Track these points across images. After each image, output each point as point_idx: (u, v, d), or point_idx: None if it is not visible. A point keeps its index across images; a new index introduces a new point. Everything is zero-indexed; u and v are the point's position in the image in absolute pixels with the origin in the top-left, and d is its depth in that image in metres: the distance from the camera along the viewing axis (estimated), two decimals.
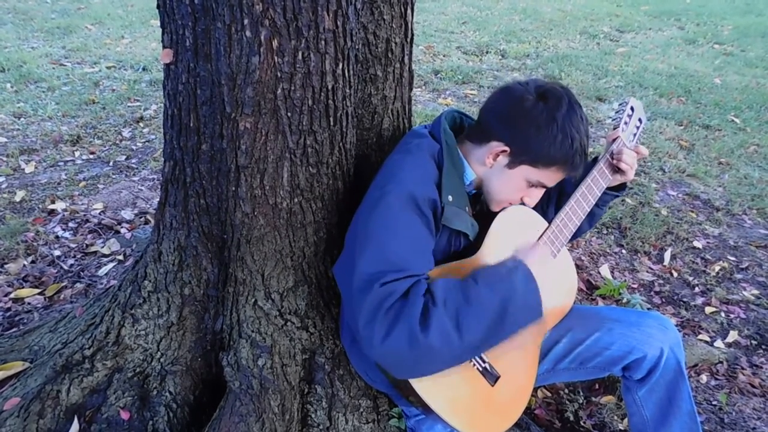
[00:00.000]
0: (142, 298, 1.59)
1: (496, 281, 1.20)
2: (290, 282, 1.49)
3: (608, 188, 1.52)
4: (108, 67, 4.74)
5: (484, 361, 1.29)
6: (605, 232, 2.92)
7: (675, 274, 2.62)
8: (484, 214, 1.39)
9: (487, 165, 1.33)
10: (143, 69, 4.79)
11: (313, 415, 1.49)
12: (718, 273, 2.64)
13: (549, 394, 1.93)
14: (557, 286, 1.46)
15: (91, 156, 3.36)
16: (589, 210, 1.44)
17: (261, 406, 1.43)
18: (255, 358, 1.48)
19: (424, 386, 1.22)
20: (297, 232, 1.45)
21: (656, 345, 1.38)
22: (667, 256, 2.73)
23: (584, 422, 1.84)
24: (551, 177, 1.32)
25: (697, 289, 2.53)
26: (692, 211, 3.16)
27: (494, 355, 1.31)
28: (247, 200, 1.39)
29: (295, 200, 1.41)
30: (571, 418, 1.85)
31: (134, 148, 3.50)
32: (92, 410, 1.53)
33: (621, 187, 1.55)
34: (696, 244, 2.85)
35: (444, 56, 5.67)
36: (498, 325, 1.17)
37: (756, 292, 2.51)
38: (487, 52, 5.91)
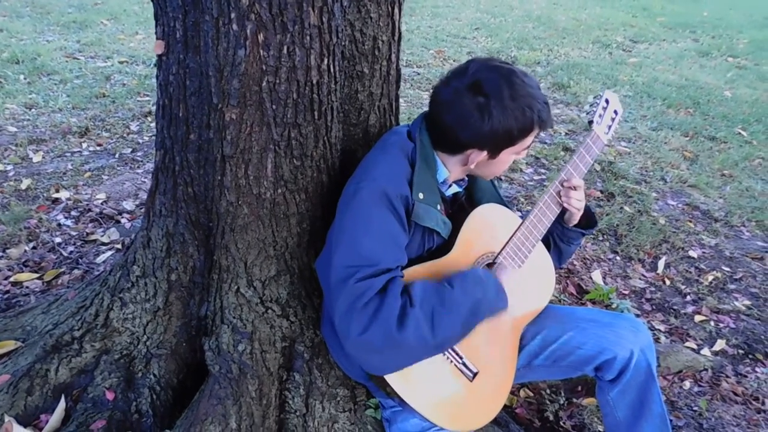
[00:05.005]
0: (130, 282, 1.63)
1: (471, 286, 1.26)
2: (272, 271, 1.53)
3: (574, 225, 1.55)
4: (120, 62, 4.83)
5: (460, 358, 1.32)
6: (601, 238, 2.93)
7: (667, 282, 2.62)
8: (459, 214, 1.41)
9: (470, 166, 1.36)
10: (155, 65, 4.87)
11: (290, 402, 1.52)
12: (711, 282, 2.63)
13: (531, 394, 1.95)
14: (532, 286, 1.47)
15: (98, 148, 3.43)
16: (558, 211, 1.46)
17: (239, 390, 1.47)
18: (235, 343, 1.51)
19: (399, 381, 1.25)
20: (280, 223, 1.49)
21: (627, 346, 1.39)
22: (661, 264, 2.73)
23: (564, 423, 1.85)
24: (530, 139, 1.33)
25: (688, 298, 2.52)
26: (690, 221, 3.15)
27: (471, 352, 1.34)
28: (232, 189, 1.43)
29: (279, 191, 1.45)
30: (551, 418, 1.86)
31: (141, 141, 3.56)
32: (79, 390, 1.57)
33: (591, 225, 1.58)
34: (691, 253, 2.85)
35: (454, 61, 5.69)
36: (467, 324, 1.25)
37: (748, 302, 2.50)
38: None
